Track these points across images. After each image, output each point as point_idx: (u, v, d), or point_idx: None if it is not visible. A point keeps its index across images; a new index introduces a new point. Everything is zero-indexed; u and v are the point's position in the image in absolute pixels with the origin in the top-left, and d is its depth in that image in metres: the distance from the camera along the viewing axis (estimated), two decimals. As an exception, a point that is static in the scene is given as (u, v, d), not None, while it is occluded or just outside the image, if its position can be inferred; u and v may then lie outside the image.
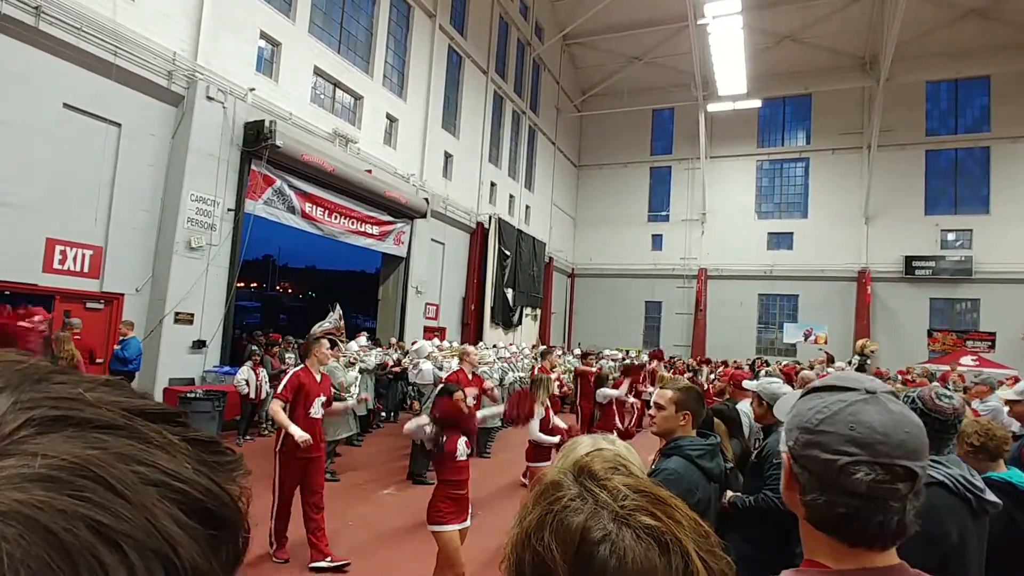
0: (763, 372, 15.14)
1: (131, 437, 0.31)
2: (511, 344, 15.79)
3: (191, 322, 10.08)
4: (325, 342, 4.97)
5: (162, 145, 10.07)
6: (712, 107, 24.40)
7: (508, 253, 20.66)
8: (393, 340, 13.63)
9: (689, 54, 22.87)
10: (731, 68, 21.33)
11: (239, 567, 0.34)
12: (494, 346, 13.70)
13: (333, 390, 6.36)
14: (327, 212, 13.12)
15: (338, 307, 8.72)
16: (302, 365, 4.99)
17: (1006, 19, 21.41)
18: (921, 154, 23.94)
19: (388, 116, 16.04)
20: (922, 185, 23.85)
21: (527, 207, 24.62)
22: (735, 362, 16.05)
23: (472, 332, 19.01)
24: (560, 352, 15.86)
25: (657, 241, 27.86)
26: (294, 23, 12.86)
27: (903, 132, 23.67)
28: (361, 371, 8.81)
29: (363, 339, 10.54)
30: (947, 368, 15.80)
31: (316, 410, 4.75)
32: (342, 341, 8.27)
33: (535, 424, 5.73)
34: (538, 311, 24.17)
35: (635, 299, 27.58)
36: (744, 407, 4.50)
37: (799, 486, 0.88)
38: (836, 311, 23.63)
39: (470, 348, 7.03)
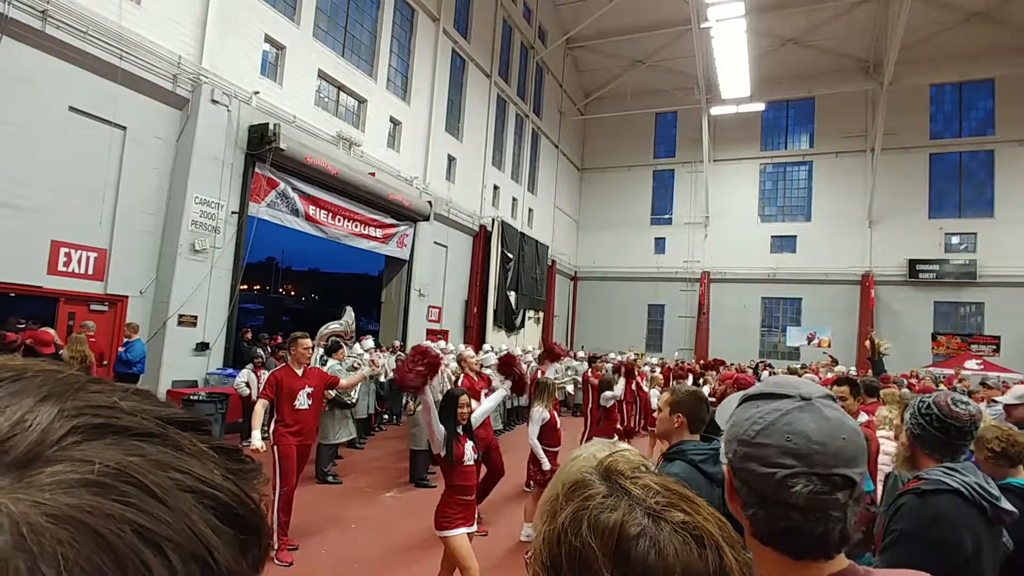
0: (766, 374, 15.09)
1: (166, 445, 0.32)
2: (513, 346, 15.77)
3: (194, 324, 10.09)
4: (303, 342, 5.18)
5: (167, 148, 10.10)
6: (715, 110, 24.39)
7: (511, 256, 20.66)
8: (397, 343, 13.61)
9: (692, 57, 22.89)
10: (734, 71, 21.32)
11: (261, 571, 0.35)
12: (495, 350, 13.68)
13: (333, 393, 6.36)
14: (331, 215, 13.13)
15: (350, 310, 8.73)
16: (282, 364, 5.39)
17: (1011, 22, 21.37)
18: (925, 157, 23.89)
19: (392, 119, 16.07)
20: (926, 188, 23.79)
21: (530, 210, 24.63)
22: (737, 365, 15.99)
23: (475, 335, 19.01)
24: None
25: (660, 244, 27.83)
26: (298, 27, 12.90)
27: (907, 135, 23.62)
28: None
29: (369, 342, 10.53)
30: (951, 372, 15.75)
31: (302, 402, 5.06)
32: (347, 344, 8.28)
33: (535, 428, 5.71)
34: (541, 314, 24.16)
35: (638, 302, 27.55)
36: None
37: (740, 500, 0.86)
38: (840, 314, 23.56)
39: (467, 352, 6.95)
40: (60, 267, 8.66)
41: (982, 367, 16.95)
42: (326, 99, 14.05)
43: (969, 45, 22.28)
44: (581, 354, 16.27)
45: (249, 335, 12.45)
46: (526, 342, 20.69)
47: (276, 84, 12.39)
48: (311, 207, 12.53)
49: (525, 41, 23.58)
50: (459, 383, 6.30)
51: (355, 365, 8.23)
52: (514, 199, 23.26)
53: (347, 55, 14.53)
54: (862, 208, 24.02)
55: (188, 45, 10.29)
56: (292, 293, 45.75)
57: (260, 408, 4.94)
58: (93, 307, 9.23)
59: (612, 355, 15.43)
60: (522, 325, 21.92)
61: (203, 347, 10.23)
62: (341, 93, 14.52)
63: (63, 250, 8.69)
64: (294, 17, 12.86)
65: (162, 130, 10.00)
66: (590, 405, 9.62)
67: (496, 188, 21.74)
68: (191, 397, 8.63)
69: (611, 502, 0.63)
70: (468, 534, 3.74)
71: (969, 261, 22.53)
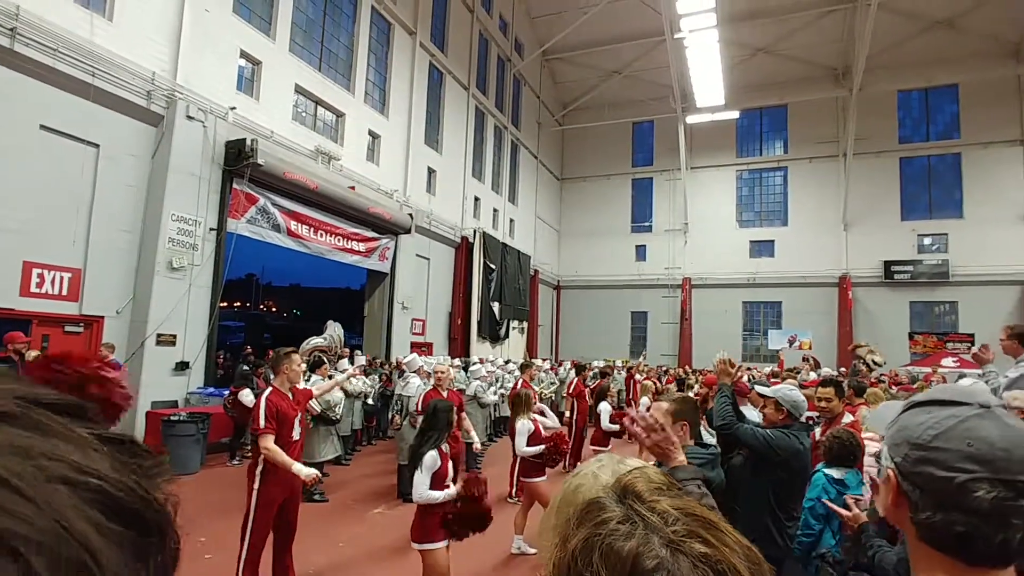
0: (745, 377, 15.23)
1: (28, 428, 0.27)
2: (494, 359, 15.73)
3: (174, 343, 9.90)
4: (296, 358, 4.39)
5: (142, 165, 9.95)
6: (691, 119, 24.76)
7: (493, 267, 20.66)
8: (378, 360, 13.49)
9: (667, 67, 23.24)
10: (708, 80, 21.70)
11: None
12: (481, 360, 13.63)
13: (318, 407, 6.23)
14: (313, 230, 13.03)
15: (332, 324, 8.62)
16: (270, 388, 4.29)
17: (972, 29, 22.09)
18: (895, 161, 24.49)
19: (370, 133, 16.04)
20: (897, 191, 24.37)
21: (511, 221, 24.70)
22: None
23: (459, 346, 18.93)
24: (548, 366, 15.81)
25: (641, 251, 28.06)
26: (274, 42, 12.85)
27: (877, 140, 24.21)
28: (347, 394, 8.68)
29: (361, 359, 10.38)
30: (929, 370, 16.03)
31: (296, 433, 4.27)
32: (331, 359, 8.18)
33: (522, 440, 5.69)
34: (525, 324, 24.16)
35: (621, 310, 27.70)
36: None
37: (909, 504, 0.85)
38: (819, 317, 23.93)
39: (441, 367, 6.82)
40: (33, 288, 8.45)
41: (958, 364, 17.29)
42: (304, 114, 13.99)
43: (933, 52, 22.97)
44: (569, 364, 16.28)
45: (249, 350, 12.16)
46: (511, 352, 20.66)
47: (252, 99, 12.30)
48: (293, 222, 12.43)
49: (502, 54, 23.76)
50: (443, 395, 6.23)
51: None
52: (495, 210, 23.31)
53: (324, 69, 14.50)
54: (837, 212, 24.50)
55: (162, 61, 10.19)
56: (273, 309, 45.20)
57: (274, 445, 3.99)
58: (68, 329, 9.01)
59: (594, 363, 15.45)
60: (506, 335, 21.89)
61: (183, 366, 10.03)
62: (319, 107, 14.46)
63: (36, 271, 8.49)
64: (270, 32, 12.81)
65: (136, 147, 9.86)
66: (575, 414, 9.64)
67: (477, 199, 21.78)
68: (171, 418, 8.45)
69: (626, 529, 0.58)
70: (447, 547, 3.73)
71: (941, 261, 23.08)
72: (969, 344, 21.03)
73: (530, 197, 26.59)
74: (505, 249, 21.90)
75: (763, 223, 26.51)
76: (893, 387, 10.64)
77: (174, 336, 9.89)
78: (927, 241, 23.82)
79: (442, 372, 6.60)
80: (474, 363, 11.68)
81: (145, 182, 9.98)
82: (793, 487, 3.18)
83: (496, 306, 20.82)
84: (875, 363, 12.51)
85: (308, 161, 12.99)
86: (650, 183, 28.43)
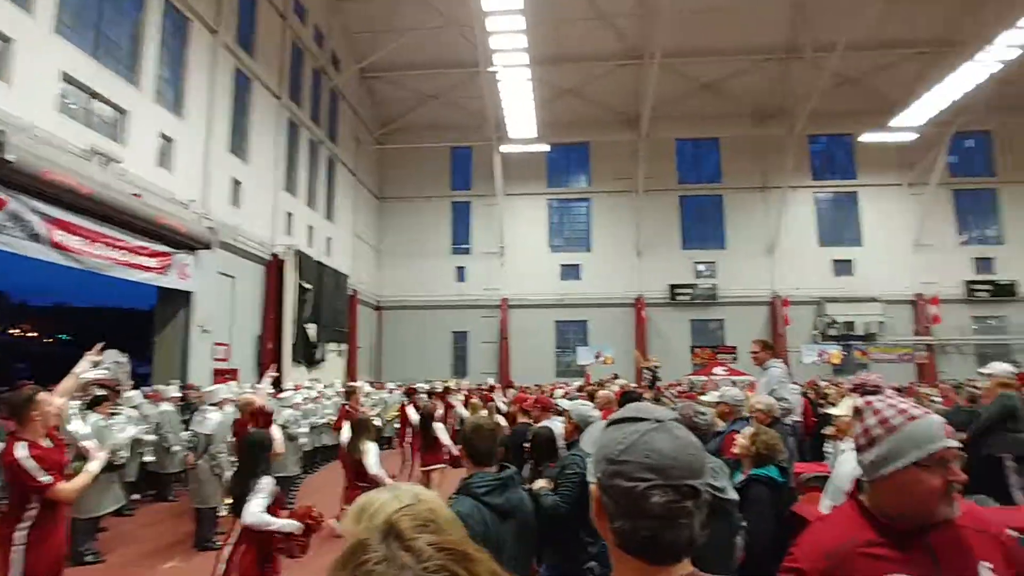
0: (560, 392, 16.23)
1: None
2: (313, 383, 14.74)
3: None
4: (44, 397, 3.33)
5: None
6: (504, 148, 25.97)
7: (309, 286, 19.43)
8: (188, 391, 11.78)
9: (483, 97, 24.22)
10: (521, 114, 23.03)
11: None
12: (296, 387, 12.63)
13: (106, 455, 5.22)
14: (88, 241, 11.01)
15: (114, 353, 7.28)
16: (23, 442, 3.15)
17: (730, 93, 26.71)
18: (676, 199, 28.47)
19: (162, 135, 14.17)
20: (678, 224, 28.34)
21: (328, 239, 23.53)
22: (547, 388, 16.96)
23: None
24: (367, 388, 15.25)
25: (461, 273, 28.63)
26: (32, 17, 10.75)
27: (662, 179, 27.91)
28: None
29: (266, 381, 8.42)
30: (707, 379, 18.68)
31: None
32: (116, 391, 6.91)
33: (376, 459, 5.36)
34: (344, 346, 23.04)
35: (443, 330, 27.88)
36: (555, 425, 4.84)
37: (607, 515, 0.94)
38: (619, 334, 26.58)
39: (249, 397, 6.12)
40: None
41: (728, 372, 20.40)
42: (74, 106, 11.88)
43: (701, 109, 27.25)
44: (391, 385, 15.85)
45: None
46: (329, 376, 19.51)
47: (2, 83, 10.15)
48: (58, 232, 10.37)
49: (317, 66, 22.76)
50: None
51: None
52: (311, 227, 22.03)
53: (101, 58, 12.49)
54: (632, 240, 27.64)
55: None
56: (30, 334, 37.23)
57: (68, 485, 3.23)
58: None
59: (419, 384, 15.25)
60: (323, 359, 20.65)
61: None
62: (94, 101, 12.40)
63: None
64: (25, 4, 10.69)
65: None
66: (409, 438, 9.40)
67: (290, 215, 20.39)
68: None
69: (381, 569, 0.61)
70: None
71: (712, 285, 27.31)
72: (733, 356, 25.07)
73: (348, 215, 25.66)
74: (321, 268, 20.77)
75: (571, 248, 28.82)
76: (679, 399, 12.06)
77: None
78: (701, 268, 27.99)
79: (251, 403, 5.88)
80: (287, 390, 10.77)
81: None
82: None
83: (312, 328, 19.55)
84: (656, 368, 14.28)
85: (80, 161, 11.02)
86: (468, 206, 29.28)
